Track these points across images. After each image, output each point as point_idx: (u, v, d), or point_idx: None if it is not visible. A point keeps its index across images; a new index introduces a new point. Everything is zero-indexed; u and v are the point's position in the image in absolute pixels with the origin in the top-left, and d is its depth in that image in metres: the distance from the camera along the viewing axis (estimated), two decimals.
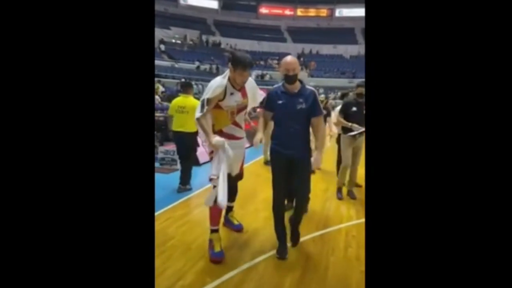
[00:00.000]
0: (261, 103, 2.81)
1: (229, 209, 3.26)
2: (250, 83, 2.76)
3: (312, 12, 34.43)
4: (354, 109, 4.14)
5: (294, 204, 2.83)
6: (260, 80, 22.18)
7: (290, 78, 2.52)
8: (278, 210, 2.73)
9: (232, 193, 3.03)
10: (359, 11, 31.43)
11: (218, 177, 2.42)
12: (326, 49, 31.26)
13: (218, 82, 2.54)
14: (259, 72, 25.34)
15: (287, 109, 2.54)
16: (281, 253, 2.69)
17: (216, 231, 2.74)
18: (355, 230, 3.36)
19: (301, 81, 2.61)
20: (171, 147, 5.58)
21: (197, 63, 24.68)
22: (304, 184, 2.71)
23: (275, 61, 26.36)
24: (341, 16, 33.49)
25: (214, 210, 2.65)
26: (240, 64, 2.49)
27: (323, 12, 34.19)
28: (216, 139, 2.46)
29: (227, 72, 2.62)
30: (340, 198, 4.37)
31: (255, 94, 2.84)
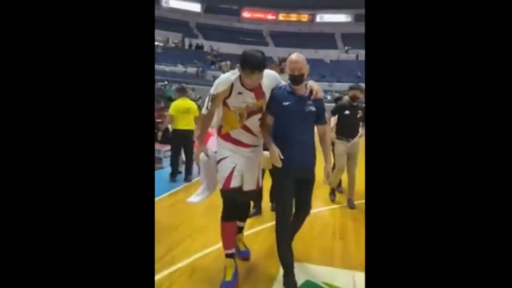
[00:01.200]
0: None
1: (238, 230, 2.71)
2: (274, 81, 2.31)
3: (293, 17, 35.29)
4: (347, 112, 4.08)
5: (295, 217, 2.50)
6: None
7: (295, 79, 2.20)
8: (285, 230, 2.31)
9: (243, 210, 2.62)
10: (339, 17, 32.67)
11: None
12: (307, 53, 31.10)
13: (223, 79, 2.22)
14: None
15: (295, 112, 2.21)
16: (290, 285, 2.28)
17: (230, 256, 2.42)
18: (320, 215, 3.90)
19: None
20: (158, 146, 6.00)
21: (179, 66, 24.95)
22: (310, 196, 2.45)
23: None
24: (322, 22, 34.46)
25: (224, 228, 2.40)
26: (246, 65, 2.05)
27: (305, 17, 35.11)
28: (201, 156, 2.37)
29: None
30: (333, 199, 4.45)
31: None
